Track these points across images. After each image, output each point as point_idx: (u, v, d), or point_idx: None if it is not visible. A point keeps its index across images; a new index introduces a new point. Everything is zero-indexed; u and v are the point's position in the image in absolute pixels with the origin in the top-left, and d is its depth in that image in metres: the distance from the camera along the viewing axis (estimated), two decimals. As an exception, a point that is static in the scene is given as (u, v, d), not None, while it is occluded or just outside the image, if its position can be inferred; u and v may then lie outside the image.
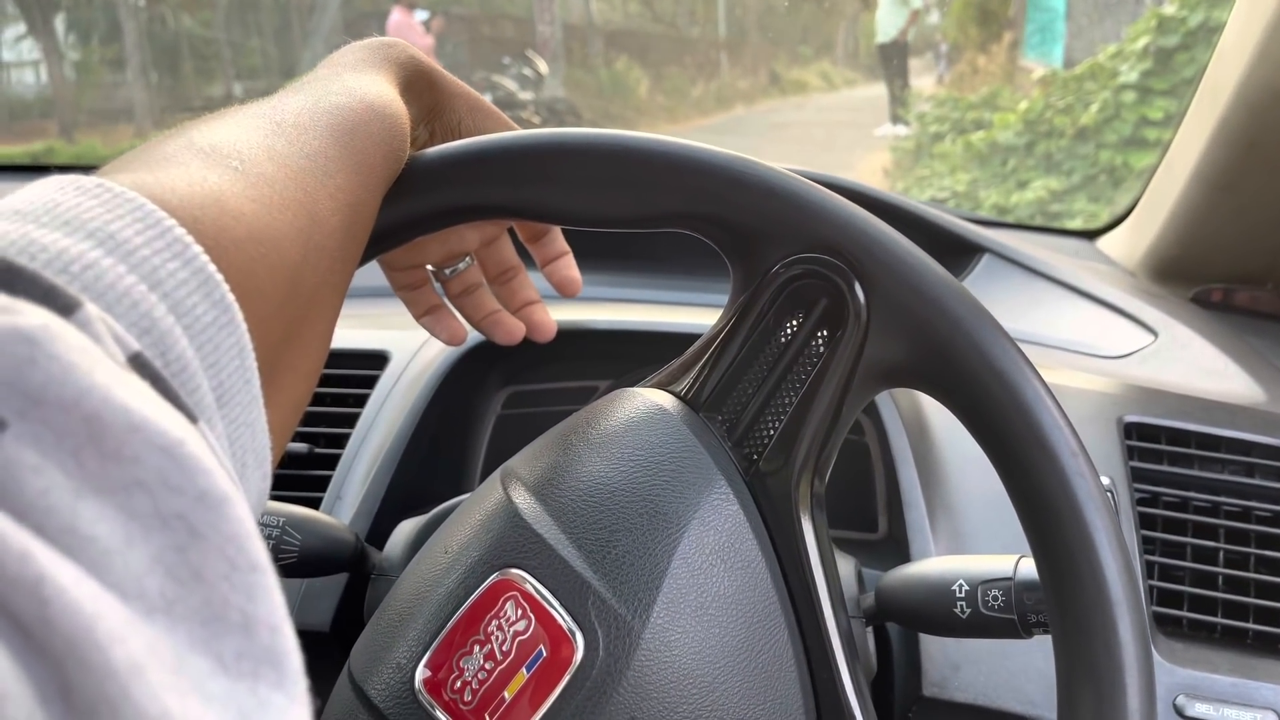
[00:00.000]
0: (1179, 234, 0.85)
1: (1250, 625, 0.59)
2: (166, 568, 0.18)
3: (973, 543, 0.60)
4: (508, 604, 0.40)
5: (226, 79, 8.69)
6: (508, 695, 0.39)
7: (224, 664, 0.18)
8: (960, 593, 0.46)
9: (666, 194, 0.41)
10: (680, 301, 0.88)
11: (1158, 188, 0.89)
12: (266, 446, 0.27)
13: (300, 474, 0.67)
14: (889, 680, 0.58)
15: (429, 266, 0.54)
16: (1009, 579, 0.45)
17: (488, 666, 0.39)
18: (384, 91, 0.41)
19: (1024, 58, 6.76)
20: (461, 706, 0.39)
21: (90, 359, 0.18)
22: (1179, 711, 0.54)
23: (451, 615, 0.40)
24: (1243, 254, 0.84)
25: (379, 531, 0.63)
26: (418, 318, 0.57)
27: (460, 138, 0.48)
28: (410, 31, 6.55)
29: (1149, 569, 0.60)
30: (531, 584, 0.40)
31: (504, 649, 0.39)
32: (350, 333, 0.76)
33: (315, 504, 0.64)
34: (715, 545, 0.40)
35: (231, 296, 0.25)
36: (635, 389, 0.46)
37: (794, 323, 0.42)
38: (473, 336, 0.72)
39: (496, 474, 0.45)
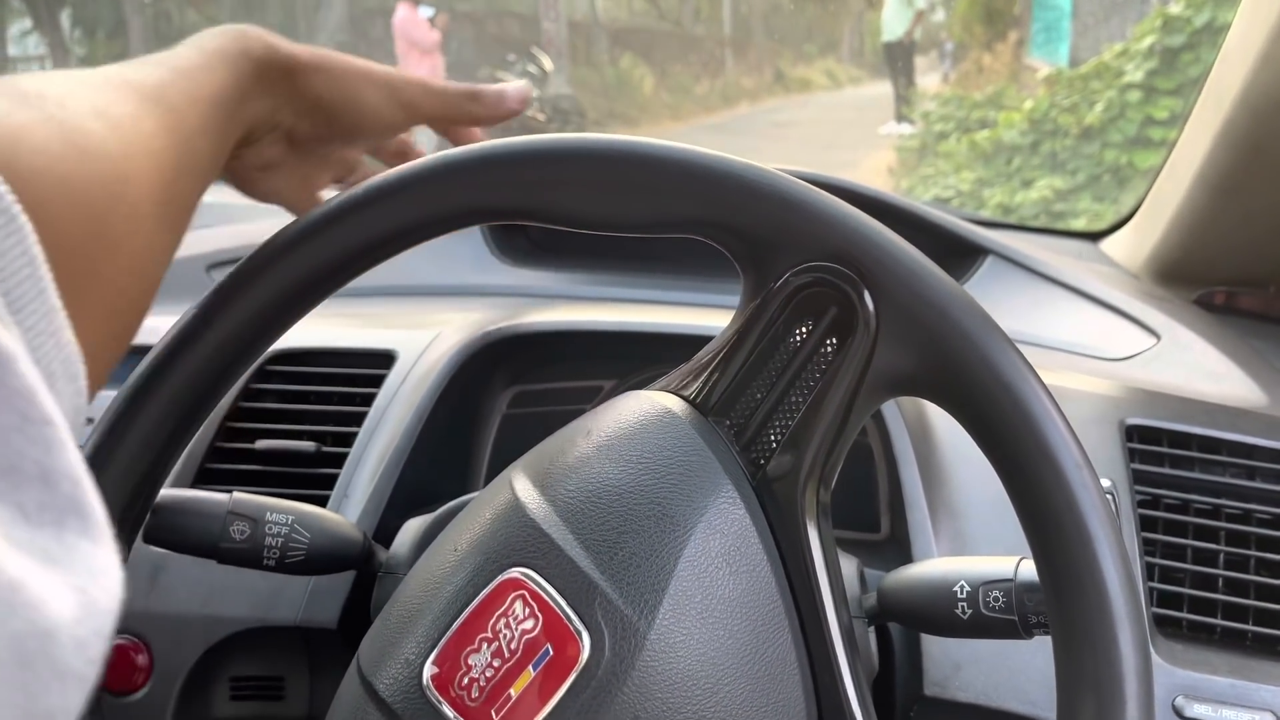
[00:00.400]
0: (1182, 237, 0.86)
1: (1249, 627, 0.59)
2: None
3: (975, 544, 0.60)
4: (515, 603, 0.40)
5: (232, 75, 8.68)
6: (514, 693, 0.39)
7: (26, 513, 0.18)
8: (961, 594, 0.47)
9: (681, 201, 0.41)
10: (685, 303, 0.88)
11: (1161, 190, 0.89)
12: (76, 359, 0.27)
13: (308, 472, 0.68)
14: (890, 680, 0.59)
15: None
16: (1010, 580, 0.46)
17: (495, 664, 0.40)
18: (211, 75, 0.43)
19: (1029, 56, 6.75)
20: (468, 703, 0.39)
21: None
22: (1178, 712, 0.55)
23: (460, 613, 0.41)
24: (1246, 257, 0.85)
25: (386, 530, 0.63)
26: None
27: (328, 113, 0.50)
28: (415, 28, 6.55)
29: (1149, 571, 0.61)
30: (539, 583, 0.40)
31: (511, 647, 0.40)
32: (357, 332, 0.77)
33: (323, 502, 0.65)
34: (721, 549, 0.41)
35: (18, 208, 0.25)
36: (643, 391, 0.46)
37: (803, 330, 0.42)
38: (480, 335, 0.73)
39: (505, 474, 0.46)
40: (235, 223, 0.98)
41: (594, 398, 0.80)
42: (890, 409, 0.65)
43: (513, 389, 0.79)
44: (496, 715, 0.39)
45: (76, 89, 0.35)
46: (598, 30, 9.18)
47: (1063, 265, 0.88)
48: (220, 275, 0.91)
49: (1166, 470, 0.65)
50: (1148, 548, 0.62)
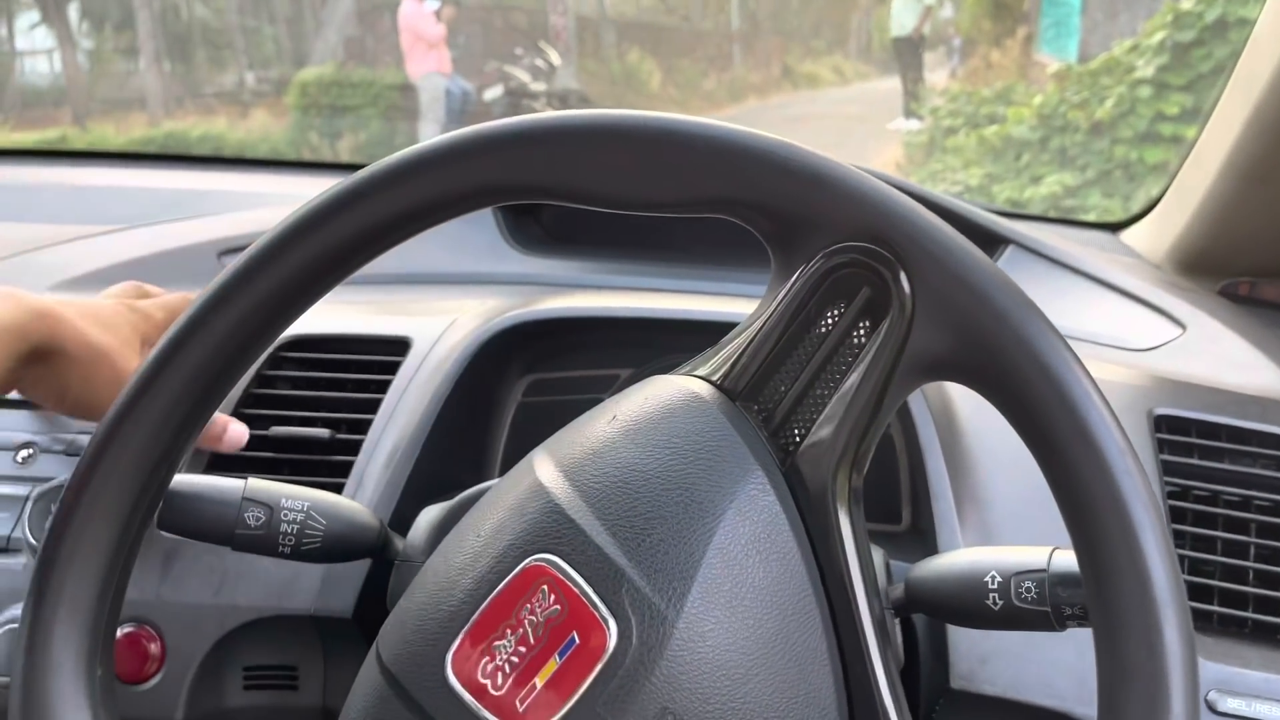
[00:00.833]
0: (1207, 226, 0.84)
1: None
2: None
3: (1001, 535, 0.59)
4: (541, 590, 0.39)
5: (239, 68, 8.70)
6: (539, 682, 0.38)
7: None
8: (993, 584, 0.45)
9: (710, 179, 0.40)
10: (701, 291, 0.87)
11: (1185, 180, 0.88)
12: None
13: (322, 459, 0.67)
14: (915, 672, 0.58)
15: None
16: (1043, 571, 0.44)
17: (520, 651, 0.39)
18: None
19: (1038, 52, 6.72)
20: (493, 691, 0.38)
21: None
22: (1211, 707, 0.54)
23: (484, 600, 0.40)
24: (1271, 247, 0.84)
25: (401, 518, 0.62)
26: None
27: (68, 401, 0.57)
28: (422, 21, 6.53)
29: (1179, 563, 0.60)
30: (565, 570, 0.39)
31: (536, 635, 0.39)
32: (371, 318, 0.76)
33: (338, 490, 0.64)
34: (751, 536, 0.40)
35: None
36: (669, 376, 0.45)
37: (835, 312, 0.41)
38: (495, 322, 0.72)
39: (527, 459, 0.45)
40: (247, 209, 0.97)
41: (610, 386, 0.79)
42: (915, 397, 0.64)
43: (528, 377, 0.78)
44: (521, 705, 0.38)
45: None
46: (605, 24, 9.16)
47: (1084, 255, 0.87)
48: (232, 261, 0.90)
49: (1196, 461, 0.63)
50: (1177, 540, 0.61)
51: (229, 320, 0.42)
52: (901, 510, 0.69)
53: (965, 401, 0.65)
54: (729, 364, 0.43)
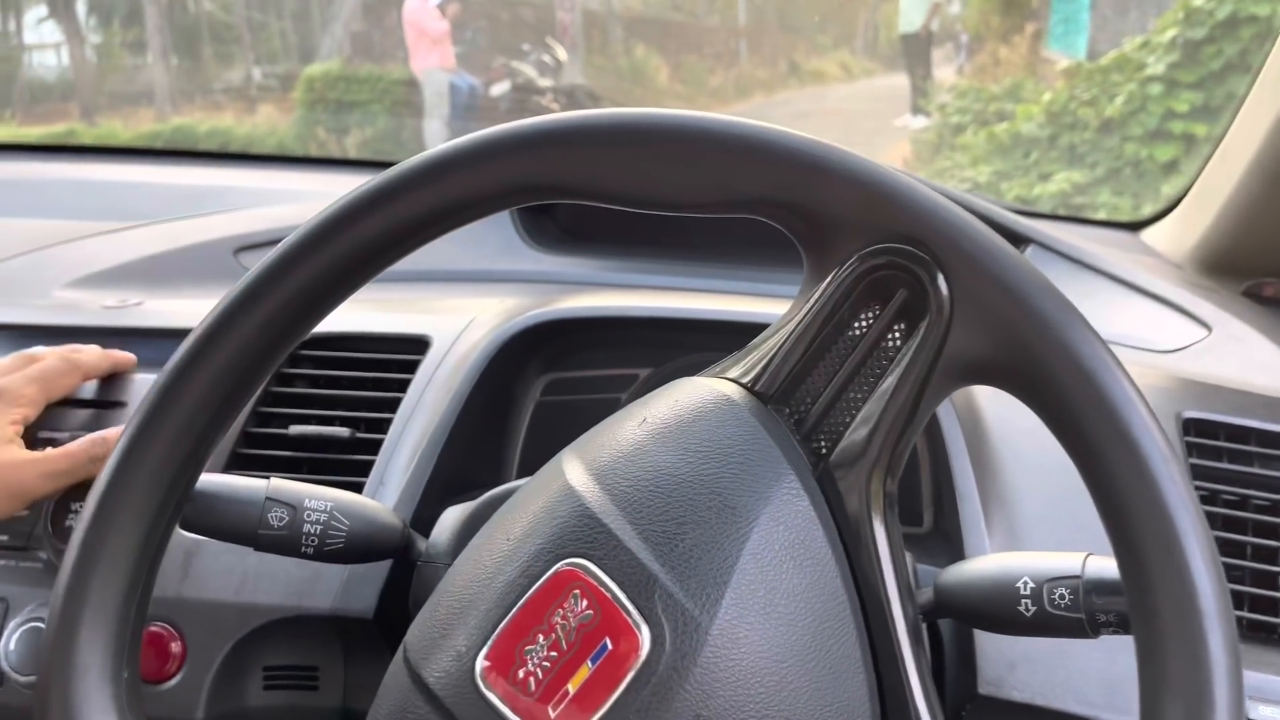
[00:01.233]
0: (1232, 226, 0.84)
1: None
2: None
3: (1028, 538, 0.58)
4: (572, 594, 0.39)
5: (246, 63, 8.70)
6: (571, 688, 0.38)
7: None
8: (1025, 590, 0.45)
9: (744, 179, 0.40)
10: (718, 290, 0.86)
11: (1209, 179, 0.87)
12: None
13: (342, 458, 0.66)
14: (941, 677, 0.57)
15: None
16: (1077, 577, 0.44)
17: (552, 657, 0.38)
18: None
19: (1047, 49, 6.70)
20: (524, 697, 0.38)
21: None
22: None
23: (515, 604, 0.39)
24: (1298, 247, 0.83)
25: (420, 519, 0.62)
26: None
27: None
28: (425, 16, 6.51)
29: None
30: (597, 575, 0.39)
31: (568, 640, 0.38)
32: (390, 316, 0.75)
33: (358, 489, 0.63)
34: (785, 541, 0.39)
35: None
36: (698, 378, 0.45)
37: (869, 315, 0.41)
38: (516, 321, 0.72)
39: (556, 461, 0.44)
40: (264, 206, 0.97)
41: (628, 386, 0.79)
42: (939, 399, 0.63)
43: (546, 376, 0.77)
44: (553, 711, 0.38)
45: None
46: (612, 20, 9.14)
47: (1106, 255, 0.86)
48: (248, 258, 0.90)
49: (1225, 465, 0.63)
50: None
51: (257, 319, 0.41)
52: (923, 513, 0.69)
53: (990, 404, 0.65)
54: (760, 367, 0.43)
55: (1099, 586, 0.43)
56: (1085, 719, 0.53)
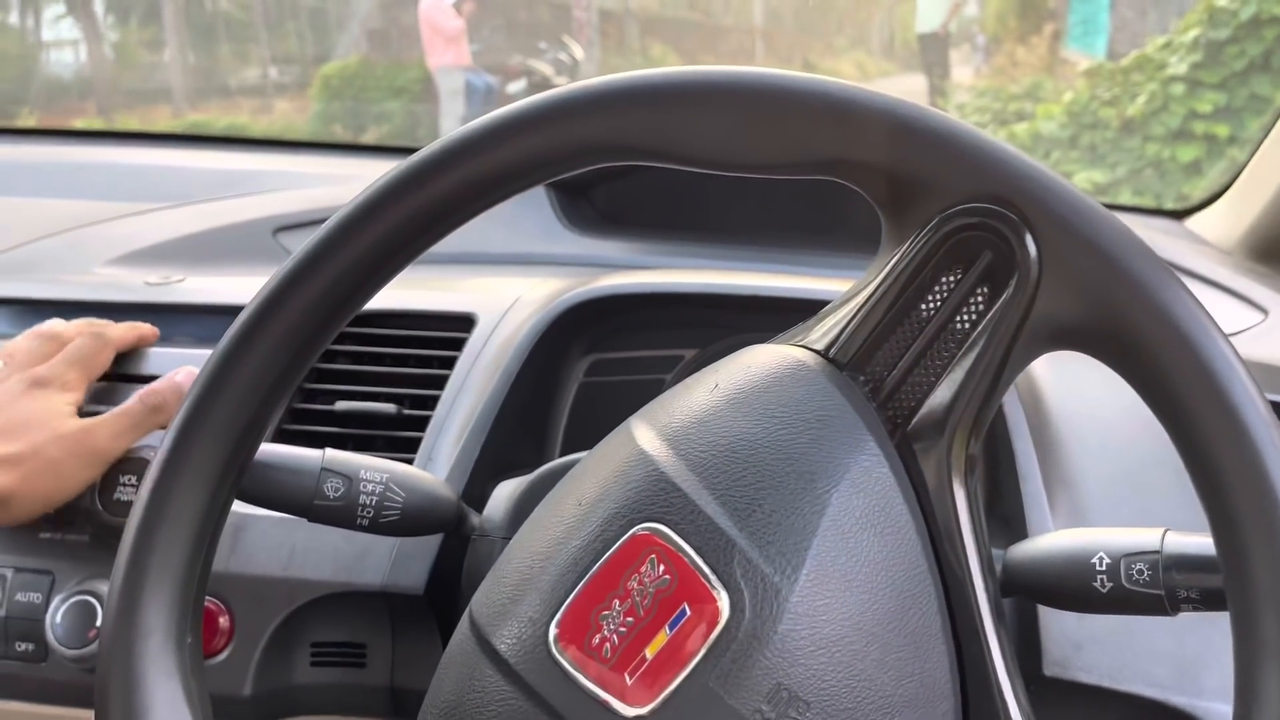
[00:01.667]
0: (1285, 211, 0.82)
1: None
2: None
3: (1092, 518, 0.57)
4: (649, 559, 0.38)
5: (263, 61, 8.73)
6: (649, 654, 0.37)
7: None
8: (1100, 566, 0.44)
9: (821, 139, 0.39)
10: (756, 270, 0.86)
11: (1261, 164, 0.86)
12: None
13: (388, 435, 0.66)
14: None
15: None
16: (1156, 553, 0.43)
17: (628, 622, 0.37)
18: None
19: (1066, 49, 6.67)
20: (599, 664, 0.37)
21: None
22: None
23: (589, 569, 0.38)
24: (1351, 233, 0.82)
25: (469, 495, 0.61)
26: None
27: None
28: (441, 15, 6.53)
29: None
30: (674, 540, 0.38)
31: (645, 606, 0.37)
32: (434, 295, 0.75)
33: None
34: (865, 509, 0.39)
35: None
36: (770, 345, 0.44)
37: (951, 279, 0.39)
38: (565, 298, 0.71)
39: (625, 427, 0.43)
40: (303, 188, 0.96)
41: (673, 367, 0.78)
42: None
43: (590, 357, 0.77)
44: (630, 678, 0.37)
45: None
46: (628, 19, 9.14)
47: (1155, 241, 0.85)
48: (287, 238, 0.89)
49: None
50: None
51: (321, 283, 0.41)
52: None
53: (1052, 383, 0.64)
54: (835, 333, 0.42)
55: (1179, 562, 0.42)
56: (1154, 701, 0.52)
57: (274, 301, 0.41)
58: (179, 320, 0.72)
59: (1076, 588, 0.44)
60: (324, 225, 0.41)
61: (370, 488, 0.51)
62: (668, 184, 0.93)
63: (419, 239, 0.41)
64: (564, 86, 0.41)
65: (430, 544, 0.59)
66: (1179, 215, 0.99)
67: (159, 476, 0.41)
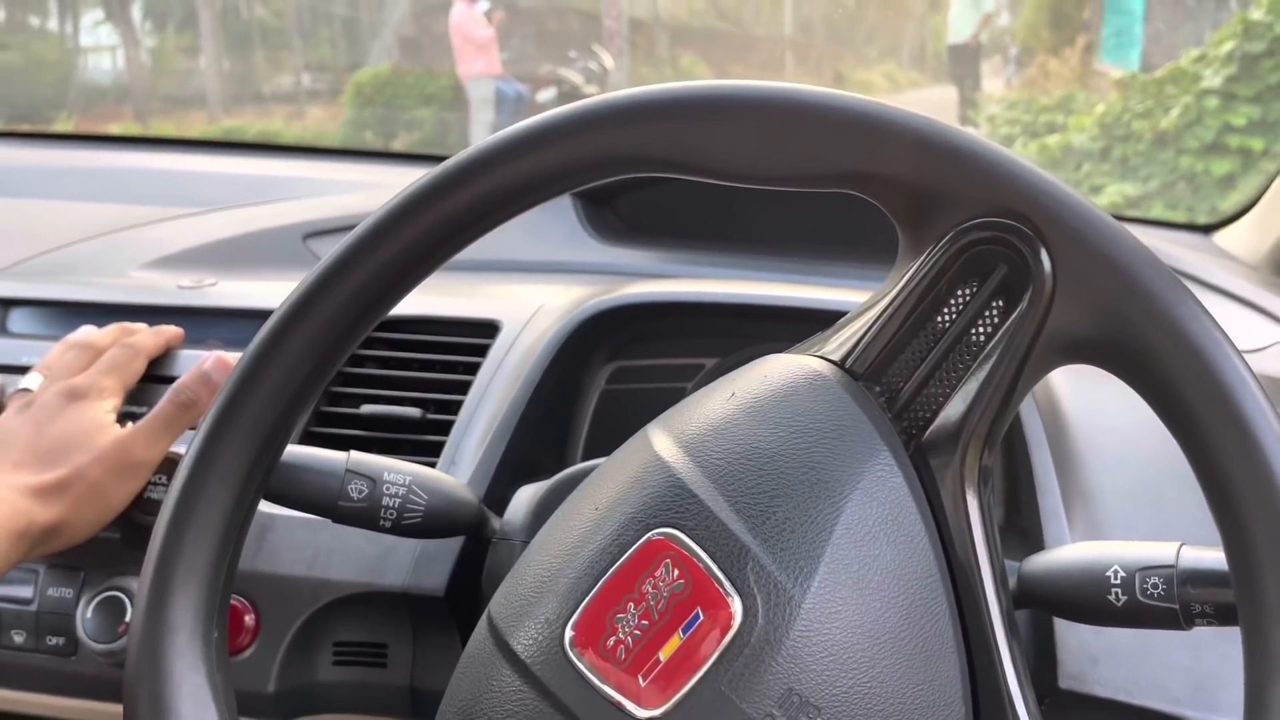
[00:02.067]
0: (1313, 227, 0.82)
1: None
2: None
3: (1110, 531, 0.57)
4: (663, 564, 0.39)
5: (296, 68, 8.84)
6: (662, 657, 0.38)
7: None
8: (1115, 579, 0.44)
9: (842, 153, 0.39)
10: (778, 280, 0.86)
11: (1289, 180, 0.85)
12: None
13: (412, 438, 0.67)
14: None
15: None
16: (1171, 567, 0.43)
17: (643, 625, 0.38)
18: None
19: (1099, 61, 6.62)
20: (613, 666, 0.38)
21: None
22: None
23: (604, 572, 0.39)
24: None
25: (490, 499, 0.62)
26: None
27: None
28: (471, 23, 6.59)
29: None
30: (688, 545, 0.38)
31: (659, 609, 0.38)
32: (459, 301, 0.76)
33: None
34: (879, 517, 0.39)
35: None
36: (786, 355, 0.44)
37: (966, 291, 0.40)
38: (588, 306, 0.72)
39: (643, 434, 0.44)
40: (333, 194, 0.98)
41: (693, 375, 0.78)
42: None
43: (612, 364, 0.77)
44: (643, 680, 0.37)
45: None
46: (658, 28, 9.18)
47: (1179, 255, 0.84)
48: (317, 244, 0.91)
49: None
50: None
51: (350, 287, 0.42)
52: (996, 507, 0.68)
53: (1070, 396, 0.64)
54: (851, 344, 0.42)
55: (1194, 577, 0.42)
56: (1170, 716, 0.52)
57: (304, 305, 0.42)
58: (211, 323, 0.74)
59: (1091, 600, 0.45)
60: (354, 231, 0.42)
61: (393, 490, 0.52)
62: (690, 194, 0.94)
63: (446, 245, 0.42)
64: (590, 99, 0.42)
65: (451, 546, 0.60)
66: (1207, 230, 0.99)
67: (189, 476, 0.42)
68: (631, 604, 0.38)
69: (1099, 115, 4.58)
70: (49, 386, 0.61)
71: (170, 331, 0.70)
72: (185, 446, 0.62)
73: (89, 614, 0.60)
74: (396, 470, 0.53)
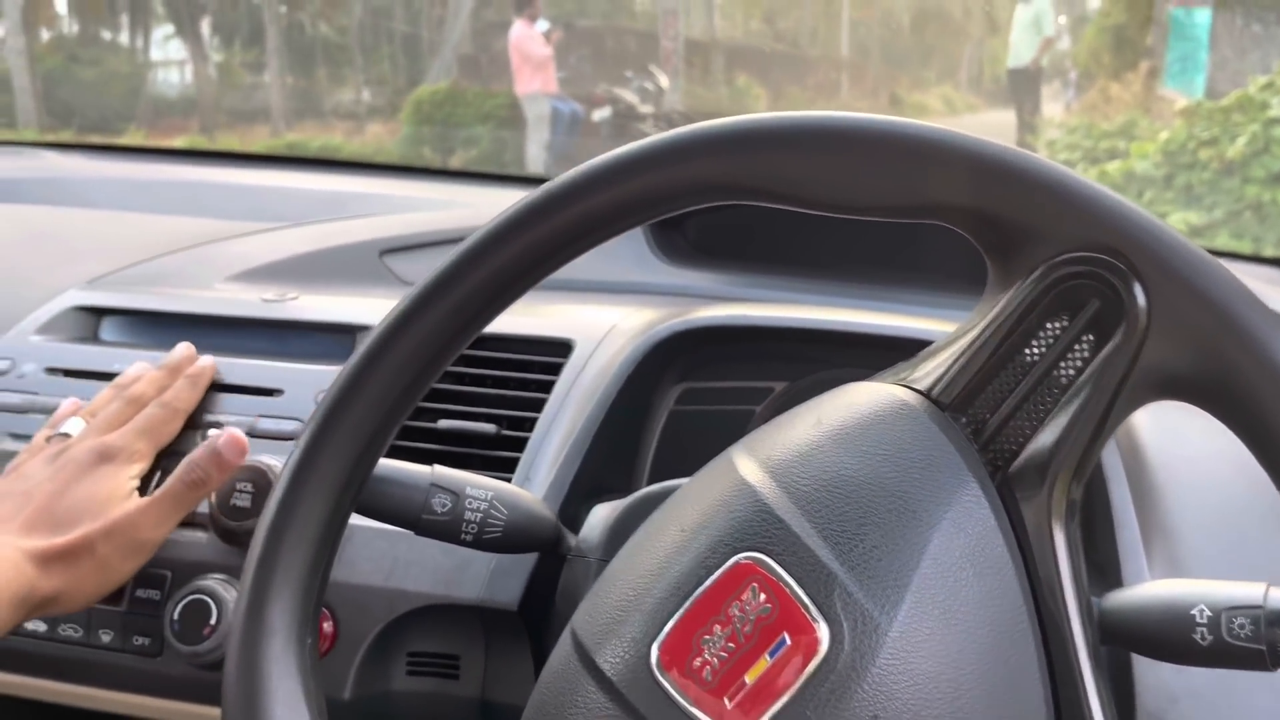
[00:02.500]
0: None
1: None
2: None
3: (1190, 569, 0.57)
4: (750, 588, 0.39)
5: (357, 84, 9.01)
6: (749, 680, 0.38)
7: None
8: (1201, 618, 0.43)
9: (933, 184, 0.40)
10: (852, 307, 0.86)
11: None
12: None
13: (486, 454, 0.68)
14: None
15: None
16: (1259, 607, 0.42)
17: (729, 648, 0.38)
18: None
19: (1163, 87, 6.52)
20: (699, 687, 0.38)
21: None
22: None
23: (692, 593, 0.40)
24: None
25: (564, 515, 0.63)
26: None
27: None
28: (529, 42, 6.67)
29: None
30: (775, 570, 0.39)
31: (746, 632, 0.39)
32: (534, 320, 0.77)
33: None
34: (966, 548, 0.39)
35: None
36: (871, 383, 0.45)
37: (1057, 325, 0.40)
38: (661, 328, 0.73)
39: (726, 456, 0.45)
40: (402, 211, 1.00)
41: (762, 399, 0.79)
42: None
43: (681, 385, 0.78)
44: (729, 702, 0.38)
45: None
46: (714, 49, 9.22)
47: (1260, 290, 0.83)
48: (393, 260, 0.92)
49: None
50: None
51: (451, 303, 0.43)
52: None
53: (1150, 429, 0.63)
54: (938, 374, 0.43)
55: None
56: None
57: (404, 322, 0.44)
58: (292, 336, 0.76)
59: (1175, 639, 0.44)
60: (454, 250, 0.44)
61: (475, 505, 0.53)
62: (758, 217, 0.94)
63: (540, 267, 0.44)
64: (679, 129, 0.43)
65: (525, 561, 0.61)
66: (1276, 263, 0.97)
67: (289, 484, 0.43)
68: (718, 626, 0.39)
69: (1163, 142, 4.51)
70: (83, 441, 0.63)
71: (207, 378, 0.70)
72: (268, 456, 0.64)
73: (176, 615, 0.62)
74: (479, 485, 0.54)
